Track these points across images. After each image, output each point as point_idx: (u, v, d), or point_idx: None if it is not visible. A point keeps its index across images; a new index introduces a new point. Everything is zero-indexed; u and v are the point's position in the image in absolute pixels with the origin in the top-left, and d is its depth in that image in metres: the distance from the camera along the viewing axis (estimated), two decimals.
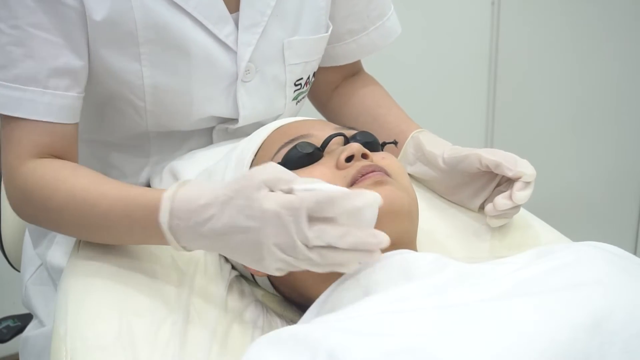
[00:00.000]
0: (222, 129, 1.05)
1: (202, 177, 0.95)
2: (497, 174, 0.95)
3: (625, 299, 0.65)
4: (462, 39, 2.20)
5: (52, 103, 0.89)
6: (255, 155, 0.91)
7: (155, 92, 0.96)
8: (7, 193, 0.92)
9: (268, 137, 0.92)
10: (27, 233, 1.22)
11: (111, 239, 0.87)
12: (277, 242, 0.70)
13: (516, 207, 0.93)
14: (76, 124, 0.93)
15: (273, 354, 0.65)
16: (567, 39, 2.29)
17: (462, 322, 0.64)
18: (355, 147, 0.84)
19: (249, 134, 0.98)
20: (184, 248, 0.78)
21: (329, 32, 1.08)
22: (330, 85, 1.19)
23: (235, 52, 0.98)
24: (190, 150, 1.06)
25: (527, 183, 0.91)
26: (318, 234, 0.69)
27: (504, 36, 2.22)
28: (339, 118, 1.15)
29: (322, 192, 0.69)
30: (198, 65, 0.96)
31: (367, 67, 1.23)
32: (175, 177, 1.00)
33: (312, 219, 0.69)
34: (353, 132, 0.91)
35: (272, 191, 0.70)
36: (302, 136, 0.89)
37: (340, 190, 0.70)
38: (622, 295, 0.66)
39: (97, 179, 0.87)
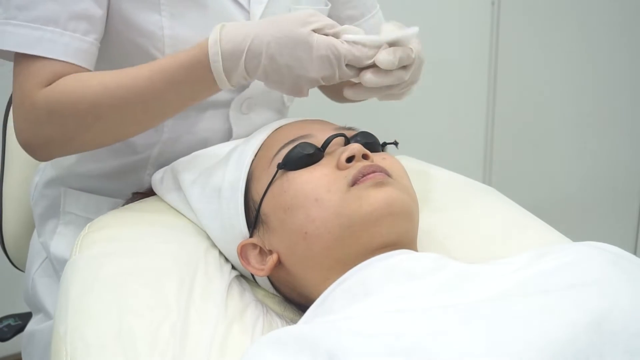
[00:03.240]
0: (236, 107, 1.07)
1: (203, 178, 0.96)
2: None
3: (625, 299, 0.65)
4: (462, 39, 2.20)
5: (69, 44, 0.92)
6: (256, 156, 0.91)
7: (174, 44, 0.99)
8: (18, 126, 0.94)
9: (268, 137, 0.92)
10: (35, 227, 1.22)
11: (156, 112, 0.92)
12: (319, 75, 0.84)
13: (370, 90, 0.91)
14: (89, 71, 0.95)
15: (273, 354, 0.66)
16: (567, 39, 2.29)
17: (462, 321, 0.65)
18: (356, 148, 0.85)
19: (261, 114, 1.00)
20: (233, 86, 0.89)
21: (328, 7, 1.16)
22: None
23: (248, 12, 1.04)
24: (204, 130, 1.08)
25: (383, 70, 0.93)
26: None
27: (504, 36, 2.22)
28: None
29: (362, 47, 0.84)
30: (215, 20, 0.99)
31: None
32: (175, 177, 1.01)
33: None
34: (353, 132, 0.91)
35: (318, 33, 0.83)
36: (302, 137, 0.89)
37: (374, 40, 0.84)
38: (621, 295, 0.66)
39: (120, 70, 0.91)
